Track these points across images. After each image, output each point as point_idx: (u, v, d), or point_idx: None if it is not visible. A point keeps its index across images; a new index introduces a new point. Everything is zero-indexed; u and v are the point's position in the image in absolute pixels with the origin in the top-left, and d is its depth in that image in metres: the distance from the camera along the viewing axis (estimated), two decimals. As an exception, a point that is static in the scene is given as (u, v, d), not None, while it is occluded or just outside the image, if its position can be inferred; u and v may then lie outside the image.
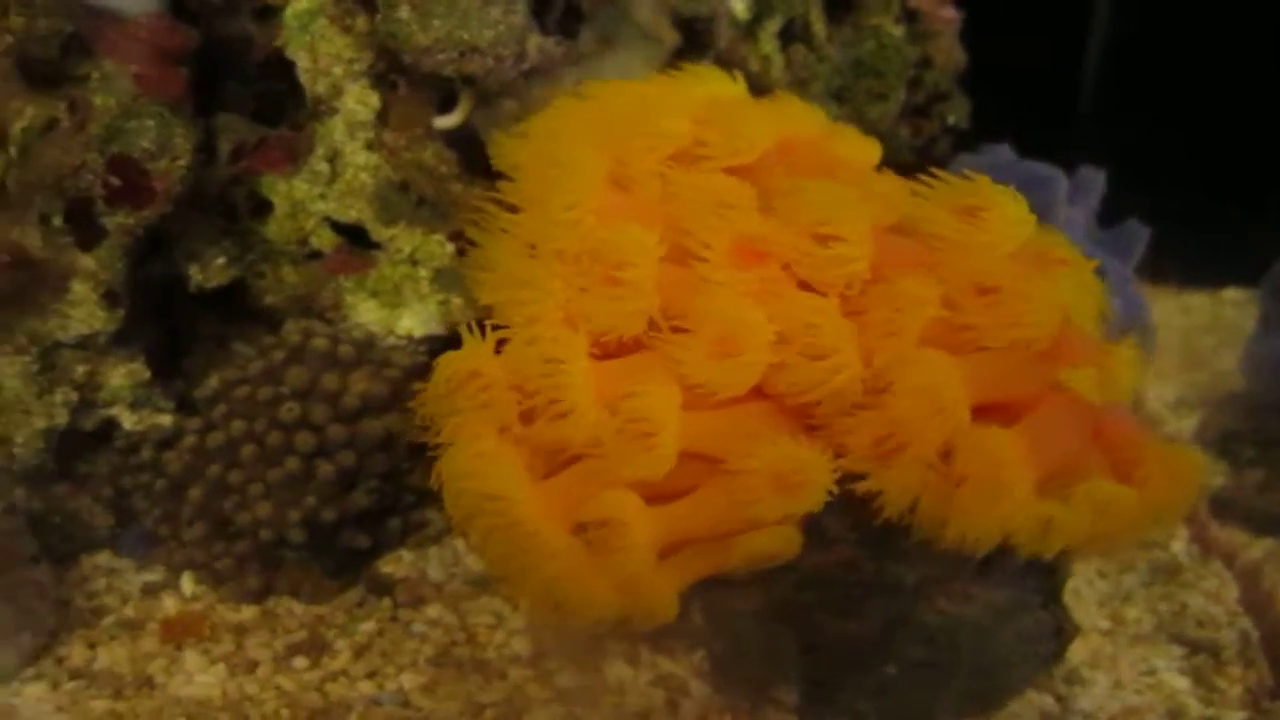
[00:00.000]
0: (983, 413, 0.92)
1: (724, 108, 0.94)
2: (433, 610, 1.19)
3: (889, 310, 0.89)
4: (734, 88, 1.06)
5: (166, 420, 1.19)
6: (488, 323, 0.94)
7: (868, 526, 0.98)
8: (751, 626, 1.04)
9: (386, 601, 1.19)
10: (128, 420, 1.18)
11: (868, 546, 1.00)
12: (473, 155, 1.25)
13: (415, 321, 1.20)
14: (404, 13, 1.07)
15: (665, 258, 0.90)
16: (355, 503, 1.16)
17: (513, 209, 0.99)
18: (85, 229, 1.06)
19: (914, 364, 0.90)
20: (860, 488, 0.91)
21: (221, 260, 1.19)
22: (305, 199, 1.20)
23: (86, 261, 1.09)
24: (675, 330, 0.90)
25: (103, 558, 1.23)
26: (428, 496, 1.26)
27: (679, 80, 0.99)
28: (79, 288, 1.10)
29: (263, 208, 1.20)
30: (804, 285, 0.89)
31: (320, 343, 1.14)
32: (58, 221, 1.07)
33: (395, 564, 1.24)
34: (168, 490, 1.14)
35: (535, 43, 1.12)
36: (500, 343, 0.96)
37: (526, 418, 0.94)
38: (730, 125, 0.93)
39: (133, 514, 1.20)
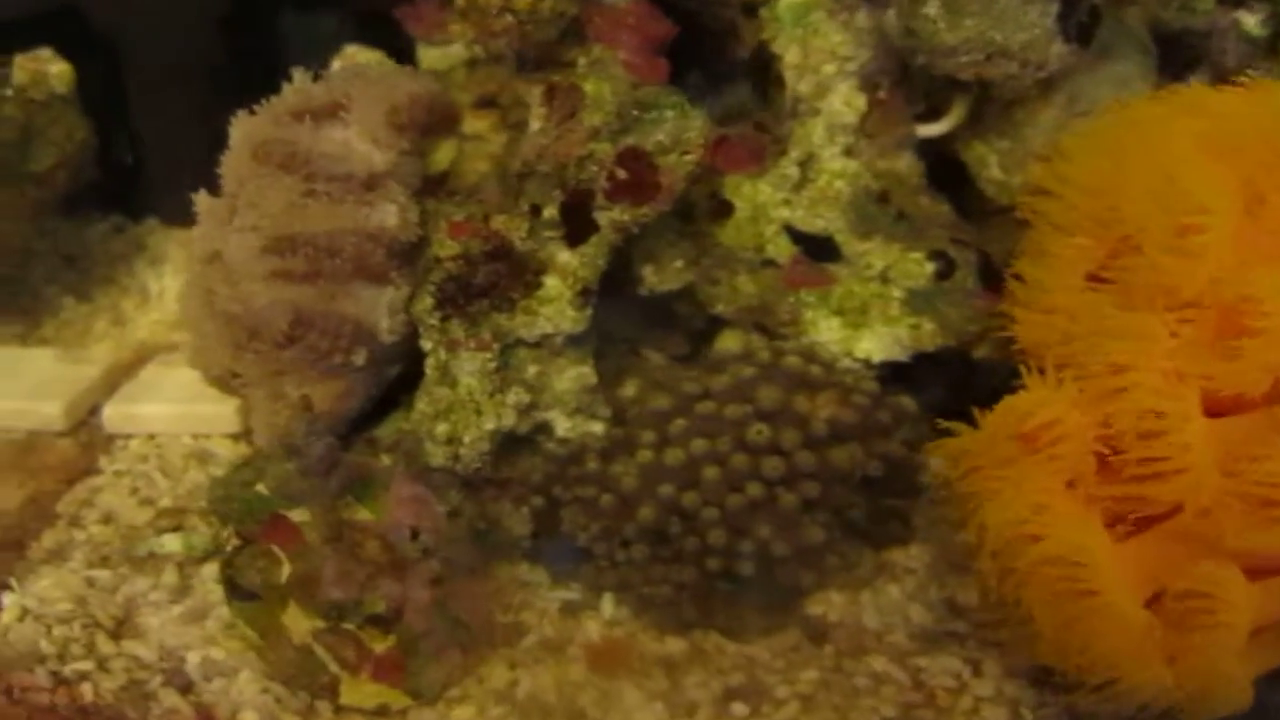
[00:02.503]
0: None
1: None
2: (876, 663, 1.08)
3: None
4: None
5: (599, 428, 1.12)
6: (1064, 369, 0.84)
7: None
8: (1297, 724, 0.92)
9: (828, 649, 1.10)
10: (561, 426, 1.11)
11: None
12: (938, 167, 1.15)
13: (876, 345, 1.10)
14: (932, 9, 0.98)
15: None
16: (809, 537, 1.07)
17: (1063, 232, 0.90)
18: (576, 223, 1.00)
19: None
20: None
21: (679, 263, 1.11)
22: (768, 203, 1.11)
23: (567, 257, 1.02)
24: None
25: (521, 569, 1.16)
26: (858, 534, 1.16)
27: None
28: (553, 284, 1.04)
29: (721, 210, 1.13)
30: None
31: (793, 361, 1.06)
32: (549, 213, 1.00)
33: (825, 605, 1.14)
34: (614, 506, 1.07)
35: (1057, 50, 1.01)
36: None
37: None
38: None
39: (555, 525, 1.13)
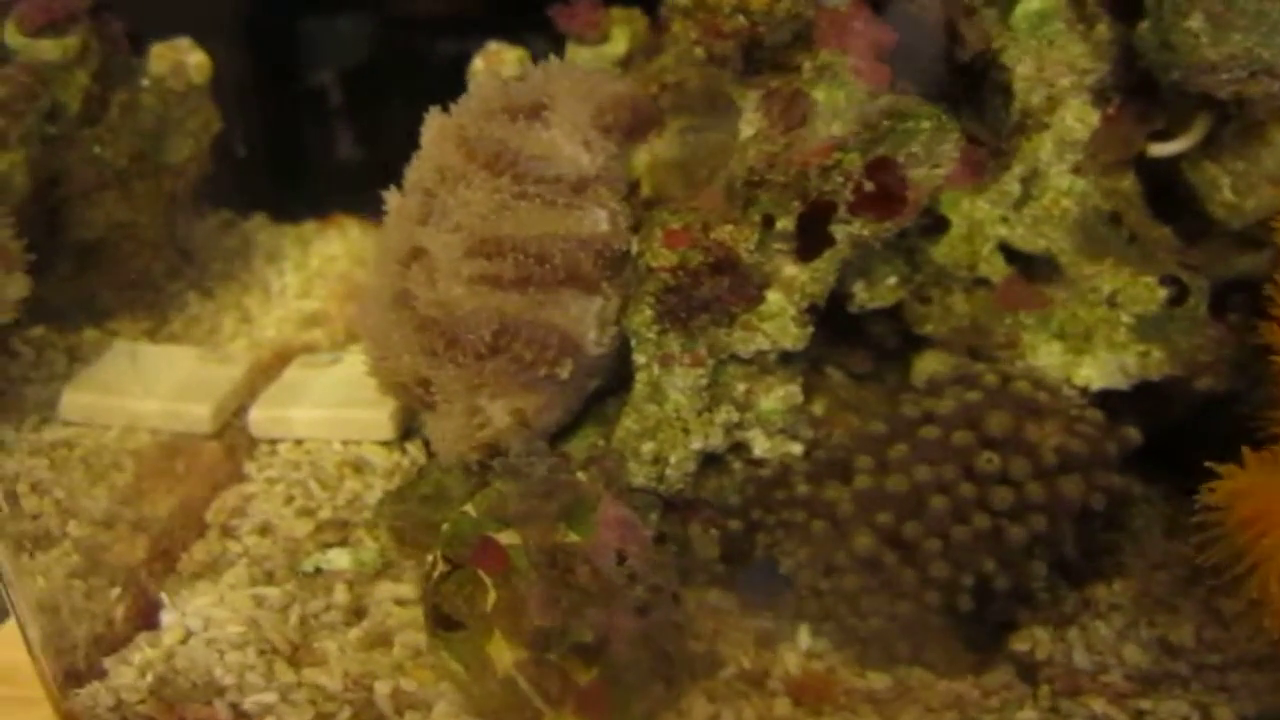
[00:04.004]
0: None
1: None
2: (1095, 704, 1.03)
3: None
4: None
5: (798, 449, 1.07)
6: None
7: None
8: None
9: (1044, 689, 1.04)
10: (760, 446, 1.06)
11: None
12: (1158, 189, 1.10)
13: (1097, 372, 1.04)
14: (1196, 22, 0.93)
15: None
16: (1032, 572, 1.01)
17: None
18: (811, 236, 0.94)
19: None
20: None
21: (892, 280, 1.05)
22: (985, 220, 1.06)
23: (795, 272, 0.97)
24: None
25: (711, 595, 1.11)
26: (1065, 568, 1.11)
27: None
28: (776, 299, 0.98)
29: (936, 225, 1.07)
30: None
31: (1023, 386, 1.00)
32: (783, 225, 0.95)
33: (1029, 642, 1.09)
34: (826, 533, 1.01)
35: (1318, 65, 0.96)
36: None
37: None
38: None
39: (748, 550, 1.08)
